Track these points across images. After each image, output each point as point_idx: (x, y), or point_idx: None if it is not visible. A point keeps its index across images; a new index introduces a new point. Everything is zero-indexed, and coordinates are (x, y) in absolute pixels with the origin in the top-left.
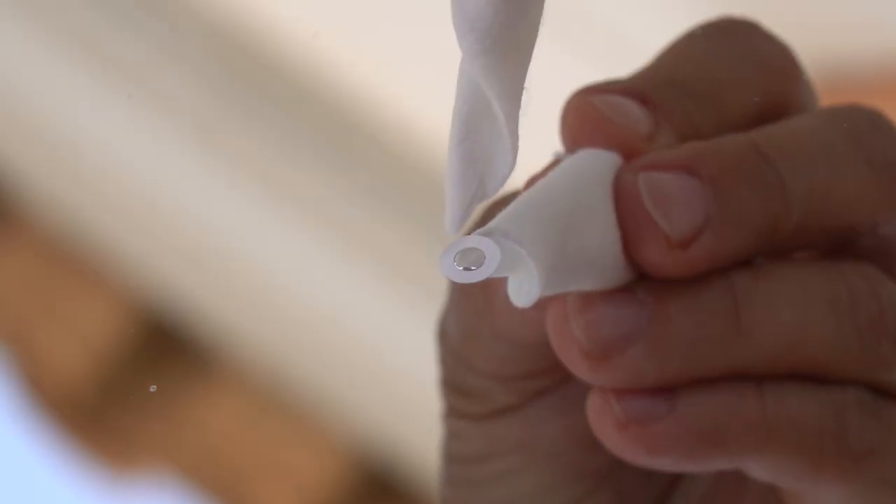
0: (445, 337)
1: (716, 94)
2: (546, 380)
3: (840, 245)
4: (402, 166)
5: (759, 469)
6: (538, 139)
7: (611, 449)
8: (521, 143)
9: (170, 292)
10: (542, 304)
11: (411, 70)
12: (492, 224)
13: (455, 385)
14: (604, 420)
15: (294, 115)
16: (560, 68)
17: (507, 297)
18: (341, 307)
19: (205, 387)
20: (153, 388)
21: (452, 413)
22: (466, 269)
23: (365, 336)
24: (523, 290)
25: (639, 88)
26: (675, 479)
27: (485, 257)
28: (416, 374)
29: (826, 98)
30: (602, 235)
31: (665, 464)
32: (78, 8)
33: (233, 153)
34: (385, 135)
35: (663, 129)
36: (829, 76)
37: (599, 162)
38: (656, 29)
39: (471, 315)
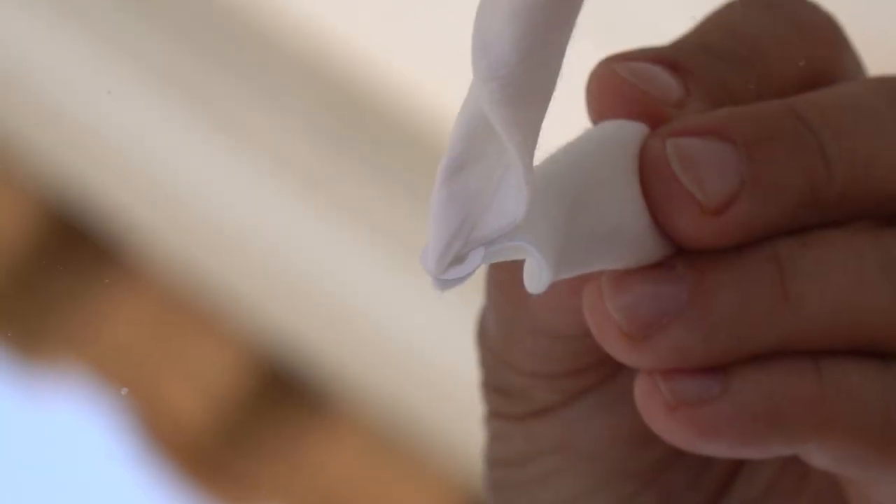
0: (485, 336)
1: (753, 60)
2: (588, 377)
3: (890, 216)
4: None
5: (818, 455)
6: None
7: (659, 433)
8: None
9: (285, 337)
10: (577, 290)
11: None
12: None
13: (495, 386)
14: (652, 403)
15: (400, 159)
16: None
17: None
18: (457, 353)
19: (321, 429)
20: None
21: (493, 415)
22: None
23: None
24: (535, 275)
25: (668, 55)
26: (725, 482)
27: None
28: None
29: None
30: (621, 208)
31: (717, 449)
32: (193, 65)
33: (342, 201)
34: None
35: (695, 96)
36: None
37: (623, 132)
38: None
39: (508, 308)
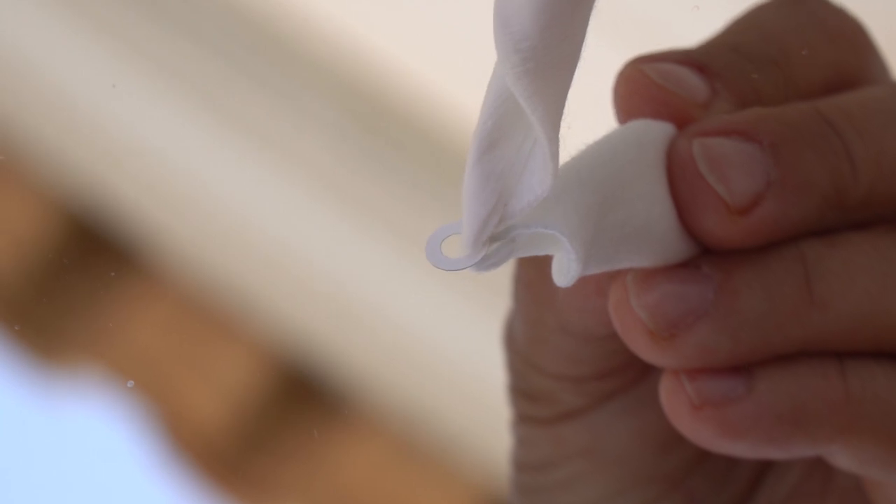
0: (512, 340)
1: (780, 62)
2: (614, 381)
3: None
4: None
5: (843, 457)
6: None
7: (684, 433)
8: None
9: (305, 339)
10: (604, 290)
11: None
12: None
13: (522, 389)
14: (677, 402)
15: (426, 169)
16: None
17: (570, 287)
18: (476, 354)
19: (341, 432)
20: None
21: (520, 419)
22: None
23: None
24: (564, 268)
25: (696, 56)
26: (750, 485)
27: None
28: None
29: None
30: (648, 207)
31: (741, 449)
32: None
33: (363, 204)
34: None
35: (722, 97)
36: None
37: (650, 132)
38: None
39: (535, 309)
